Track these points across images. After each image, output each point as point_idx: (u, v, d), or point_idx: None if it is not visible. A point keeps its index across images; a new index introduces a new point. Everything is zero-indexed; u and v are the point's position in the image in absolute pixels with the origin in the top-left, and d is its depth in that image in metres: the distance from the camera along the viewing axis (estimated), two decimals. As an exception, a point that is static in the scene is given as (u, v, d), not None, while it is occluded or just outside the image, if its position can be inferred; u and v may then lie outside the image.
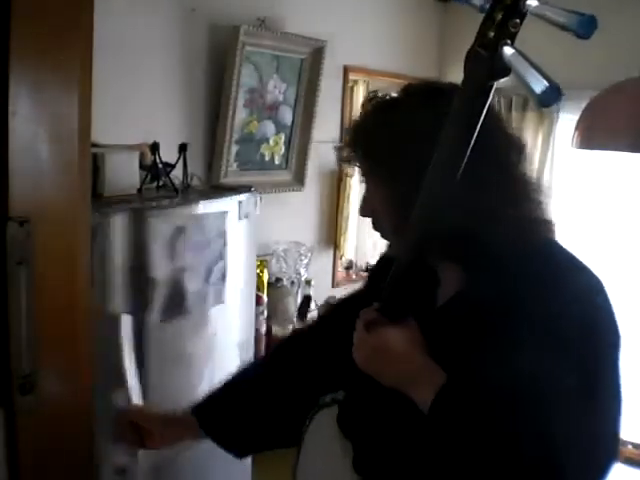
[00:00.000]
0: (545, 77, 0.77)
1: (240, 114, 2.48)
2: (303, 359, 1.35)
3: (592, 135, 2.17)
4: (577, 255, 1.03)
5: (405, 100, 1.07)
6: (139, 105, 2.11)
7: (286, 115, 2.72)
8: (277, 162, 2.76)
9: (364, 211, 1.12)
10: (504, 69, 0.80)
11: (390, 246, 1.15)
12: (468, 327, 0.97)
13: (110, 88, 1.83)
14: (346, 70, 3.07)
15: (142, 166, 1.83)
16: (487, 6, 0.82)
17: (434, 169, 0.90)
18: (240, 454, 1.41)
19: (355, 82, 3.17)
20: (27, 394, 1.12)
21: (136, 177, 1.76)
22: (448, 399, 0.91)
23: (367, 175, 1.10)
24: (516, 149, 1.03)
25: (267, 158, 2.71)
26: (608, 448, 0.94)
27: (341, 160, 1.14)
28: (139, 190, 1.76)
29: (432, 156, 0.90)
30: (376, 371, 1.00)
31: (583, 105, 2.29)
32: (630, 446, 2.98)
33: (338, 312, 1.39)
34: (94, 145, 1.51)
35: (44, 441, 1.19)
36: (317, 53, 2.70)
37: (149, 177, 1.84)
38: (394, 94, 1.10)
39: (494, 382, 0.89)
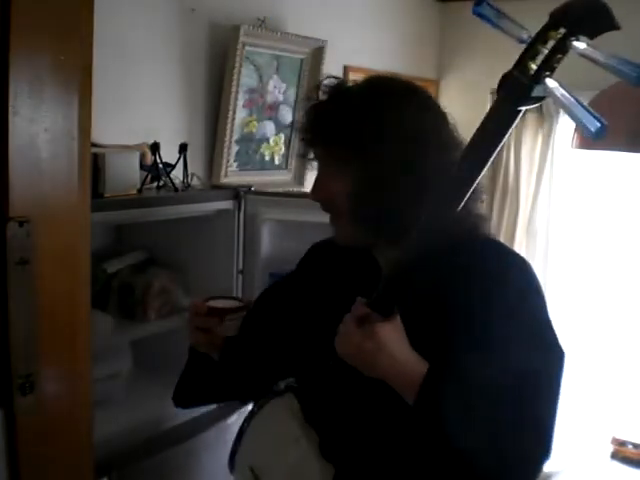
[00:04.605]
0: (590, 112, 0.84)
1: (240, 114, 2.47)
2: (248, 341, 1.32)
3: (592, 135, 2.17)
4: (514, 250, 1.16)
5: (376, 91, 1.24)
6: (139, 105, 2.10)
7: (286, 115, 2.72)
8: (277, 162, 2.75)
9: (318, 193, 1.16)
10: (539, 98, 0.89)
11: (337, 232, 1.19)
12: (417, 315, 1.04)
13: (110, 88, 1.83)
14: (346, 70, 3.07)
15: (142, 166, 1.83)
16: (524, 37, 0.89)
17: (449, 183, 0.96)
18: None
19: (355, 82, 3.16)
20: (27, 394, 1.12)
21: (136, 177, 1.76)
22: (433, 392, 0.96)
23: (331, 158, 1.15)
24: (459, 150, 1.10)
25: (267, 158, 2.70)
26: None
27: (304, 140, 1.21)
28: (139, 190, 1.76)
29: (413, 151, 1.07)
30: (364, 364, 1.01)
31: (583, 105, 2.28)
32: (630, 446, 2.97)
33: (271, 299, 1.37)
34: (94, 145, 1.51)
35: (44, 441, 1.19)
36: (317, 53, 2.69)
37: (149, 177, 1.84)
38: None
39: (480, 380, 0.96)
